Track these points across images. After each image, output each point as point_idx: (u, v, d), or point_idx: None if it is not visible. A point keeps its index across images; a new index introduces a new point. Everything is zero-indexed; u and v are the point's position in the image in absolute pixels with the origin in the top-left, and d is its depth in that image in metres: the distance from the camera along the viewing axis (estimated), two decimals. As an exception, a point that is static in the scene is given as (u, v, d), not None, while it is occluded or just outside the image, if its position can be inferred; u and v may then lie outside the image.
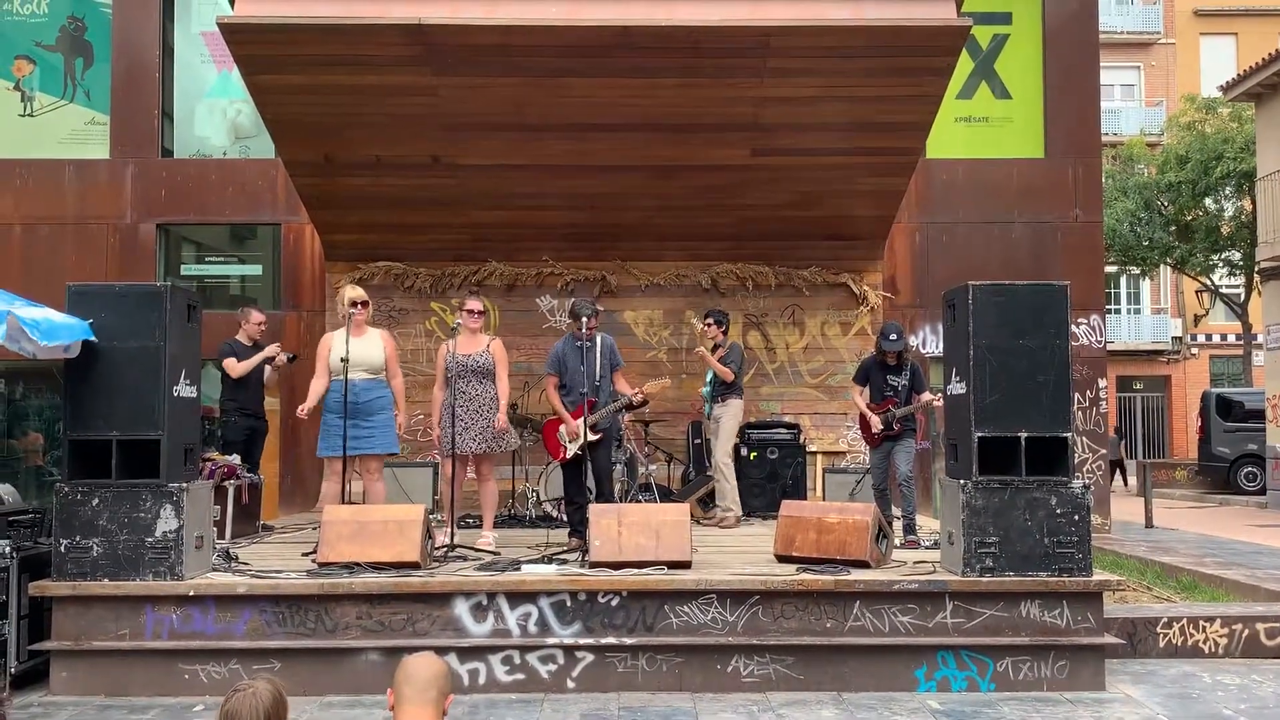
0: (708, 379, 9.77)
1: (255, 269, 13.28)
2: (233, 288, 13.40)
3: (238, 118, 12.86)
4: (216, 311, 11.01)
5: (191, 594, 6.16)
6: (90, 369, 6.19)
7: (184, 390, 6.39)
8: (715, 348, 9.58)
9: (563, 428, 7.98)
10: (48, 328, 5.91)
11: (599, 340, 7.92)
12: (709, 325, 9.68)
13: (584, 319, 7.80)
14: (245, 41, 8.83)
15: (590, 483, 7.96)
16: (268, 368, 9.29)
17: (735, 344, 9.83)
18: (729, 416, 9.49)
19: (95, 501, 6.15)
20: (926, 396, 8.17)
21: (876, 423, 8.23)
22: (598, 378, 7.82)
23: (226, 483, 8.33)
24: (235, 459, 8.71)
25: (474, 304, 7.96)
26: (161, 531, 6.16)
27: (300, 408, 7.67)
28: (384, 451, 7.72)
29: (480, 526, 8.06)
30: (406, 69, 9.00)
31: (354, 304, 7.67)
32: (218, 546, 7.17)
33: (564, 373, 7.95)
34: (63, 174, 12.64)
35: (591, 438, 7.74)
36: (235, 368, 9.05)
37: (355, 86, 9.25)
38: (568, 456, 7.96)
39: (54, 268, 12.06)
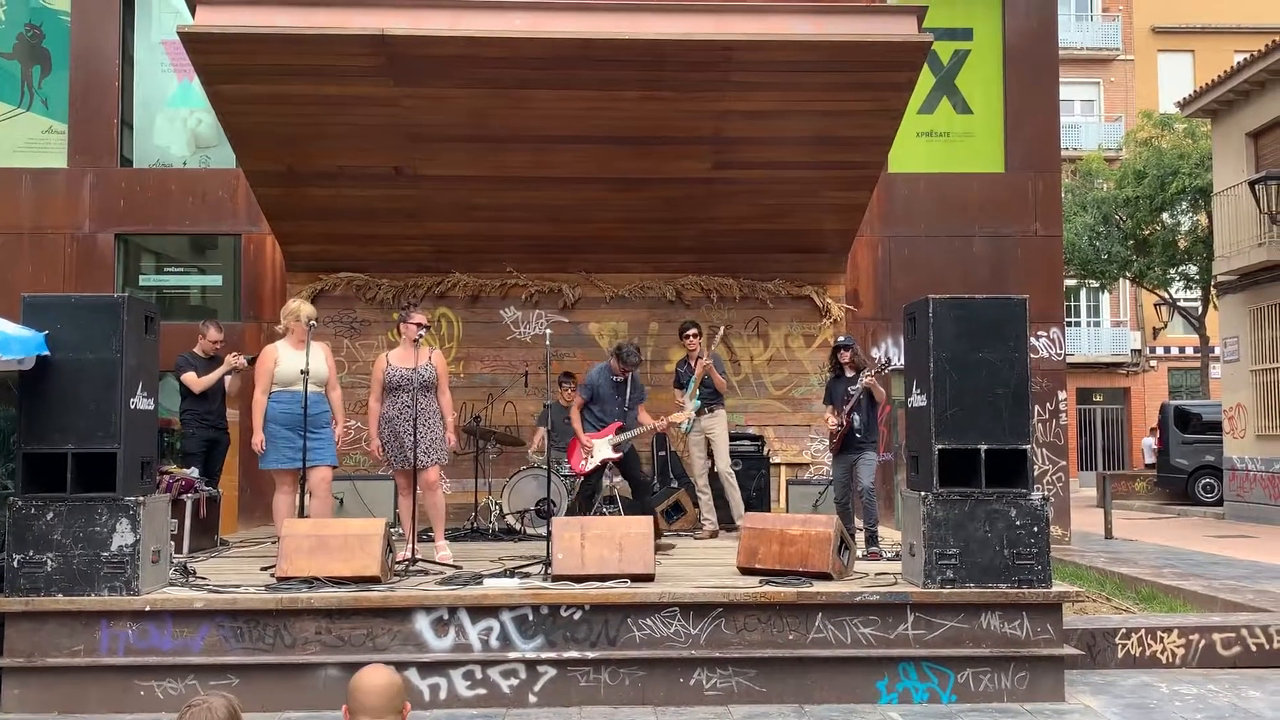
0: (697, 392, 9.61)
1: (215, 280, 13.16)
2: (193, 298, 13.28)
3: (198, 127, 12.75)
4: (176, 322, 10.91)
5: (148, 609, 6.08)
6: (46, 381, 6.10)
7: (141, 403, 6.31)
8: (698, 358, 9.61)
9: (598, 441, 8.83)
10: (3, 341, 5.81)
11: (630, 377, 9.05)
12: (694, 337, 9.68)
13: (629, 364, 8.94)
14: (206, 51, 8.76)
15: (623, 491, 9.13)
16: (228, 377, 9.20)
17: (715, 353, 9.98)
18: (722, 425, 9.68)
19: (50, 516, 6.06)
20: (864, 379, 8.18)
21: (833, 423, 8.28)
22: (627, 407, 8.98)
23: (184, 496, 8.23)
24: (193, 472, 8.62)
25: (420, 317, 7.96)
26: (117, 546, 6.08)
27: (256, 440, 7.61)
28: (330, 463, 7.78)
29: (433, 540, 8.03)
30: (369, 80, 8.96)
31: (310, 320, 7.72)
32: (175, 561, 7.09)
33: (596, 400, 8.96)
34: (19, 183, 12.48)
35: (615, 456, 8.86)
36: (196, 383, 8.96)
37: (317, 97, 9.19)
38: (587, 470, 8.82)
39: (10, 278, 11.90)
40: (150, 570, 6.23)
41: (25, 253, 12.38)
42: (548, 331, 8.46)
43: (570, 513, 8.70)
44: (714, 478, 9.67)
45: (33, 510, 6.06)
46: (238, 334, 12.04)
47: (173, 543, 7.33)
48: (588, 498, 8.78)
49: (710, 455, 9.67)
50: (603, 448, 8.87)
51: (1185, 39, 33.13)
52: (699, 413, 9.57)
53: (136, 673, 6.06)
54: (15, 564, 6.04)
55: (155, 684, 6.04)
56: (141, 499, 6.16)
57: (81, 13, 12.61)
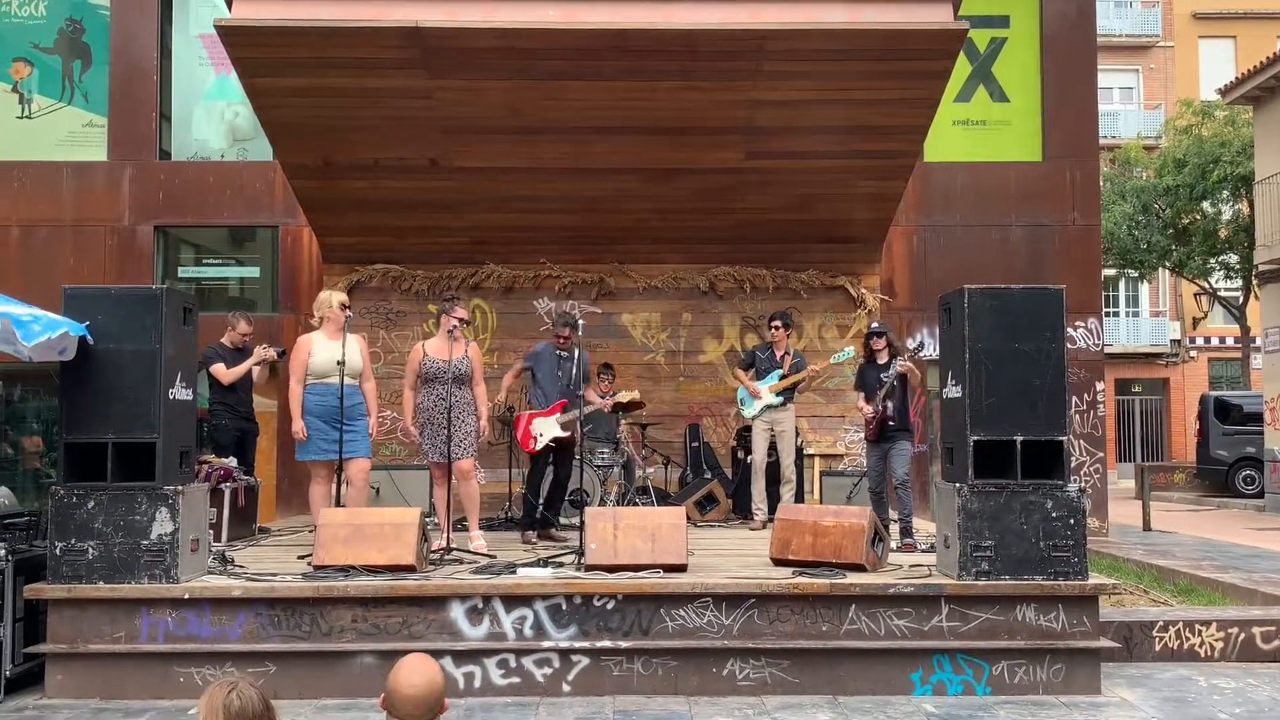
0: (782, 387, 9.43)
1: (253, 271, 13.28)
2: (231, 290, 13.41)
3: (235, 120, 12.87)
4: (214, 314, 11.00)
5: (187, 597, 6.16)
6: (86, 371, 6.19)
7: (180, 393, 6.38)
8: (784, 354, 9.49)
9: (545, 420, 8.44)
10: (47, 322, 5.88)
11: (577, 352, 8.56)
12: (777, 329, 9.51)
13: (566, 329, 8.57)
14: (242, 44, 8.82)
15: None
16: (255, 368, 9.28)
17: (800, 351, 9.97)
18: (792, 422, 9.60)
19: (91, 504, 6.15)
20: (899, 365, 8.15)
21: (868, 411, 8.25)
22: (572, 386, 8.46)
23: (223, 485, 8.32)
24: (232, 461, 8.70)
25: (462, 311, 7.98)
26: (157, 534, 6.16)
27: (296, 428, 7.59)
28: (366, 455, 7.81)
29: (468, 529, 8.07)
30: (404, 72, 8.99)
31: (344, 307, 7.74)
32: (213, 549, 7.18)
33: (537, 370, 8.62)
34: (60, 176, 12.65)
35: (562, 434, 8.43)
36: (225, 374, 9.01)
37: (353, 89, 9.23)
38: (537, 449, 8.45)
39: (51, 270, 12.06)
40: (189, 558, 6.32)
41: (66, 245, 12.55)
42: (581, 322, 8.47)
43: (529, 495, 8.58)
44: (771, 468, 9.57)
45: (74, 499, 6.15)
46: (275, 325, 12.16)
47: (211, 531, 7.41)
48: (537, 485, 8.57)
49: (773, 448, 9.56)
50: (550, 426, 8.49)
51: (1227, 24, 32.62)
52: (772, 406, 9.43)
53: (176, 660, 6.14)
54: (57, 551, 6.14)
55: (194, 671, 6.12)
56: (180, 488, 6.24)
57: (120, 7, 12.75)
